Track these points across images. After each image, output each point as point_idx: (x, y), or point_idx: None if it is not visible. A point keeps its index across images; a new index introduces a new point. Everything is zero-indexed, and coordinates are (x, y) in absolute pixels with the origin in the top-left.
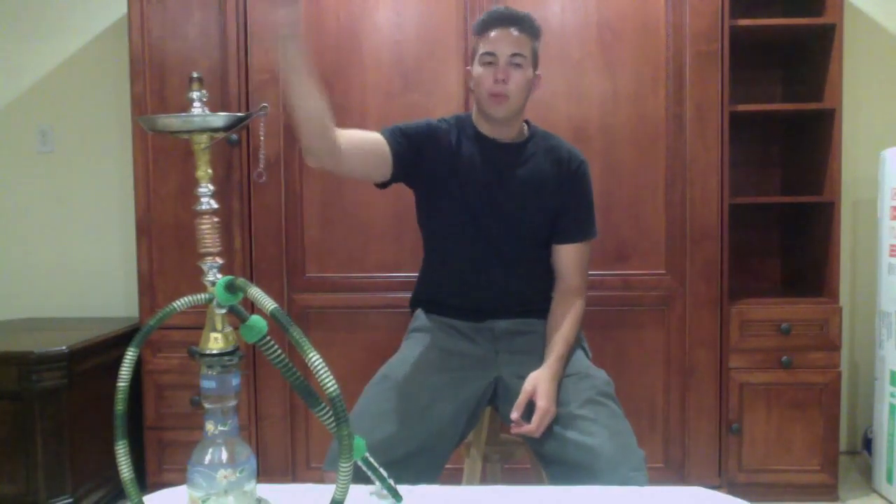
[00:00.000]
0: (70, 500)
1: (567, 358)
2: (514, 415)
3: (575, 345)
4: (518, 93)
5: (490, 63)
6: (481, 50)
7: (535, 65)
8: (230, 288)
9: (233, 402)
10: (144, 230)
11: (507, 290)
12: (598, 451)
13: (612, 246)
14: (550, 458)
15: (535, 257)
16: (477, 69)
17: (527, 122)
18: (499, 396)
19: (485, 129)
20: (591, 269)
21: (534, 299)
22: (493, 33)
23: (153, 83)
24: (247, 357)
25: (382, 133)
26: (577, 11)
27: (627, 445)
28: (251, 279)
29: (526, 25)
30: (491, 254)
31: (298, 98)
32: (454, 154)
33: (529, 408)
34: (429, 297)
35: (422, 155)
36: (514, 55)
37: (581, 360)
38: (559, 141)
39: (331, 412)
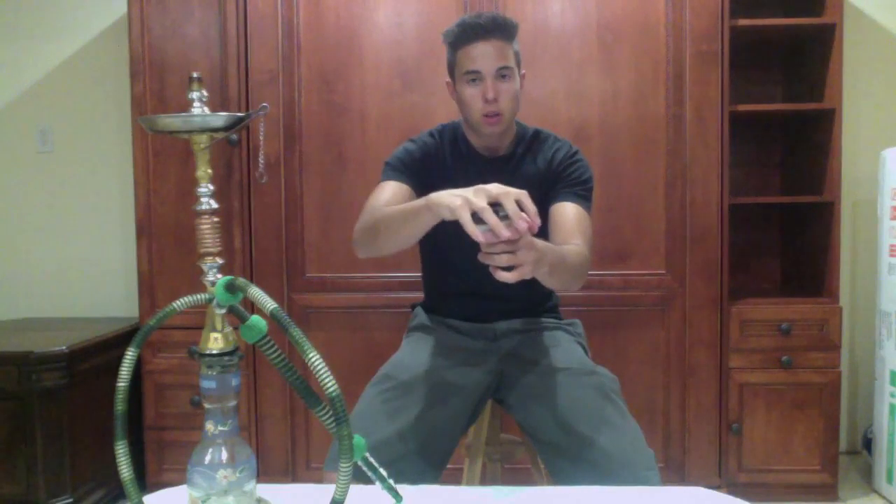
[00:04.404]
0: (70, 500)
1: (561, 255)
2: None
3: (575, 337)
4: (510, 106)
5: (475, 80)
6: (464, 67)
7: (519, 67)
8: (230, 288)
9: (233, 402)
10: (144, 230)
11: (509, 297)
12: (611, 450)
13: (612, 246)
14: (558, 455)
15: None
16: (462, 89)
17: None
18: (502, 389)
19: (476, 142)
20: (591, 270)
21: (536, 301)
22: (473, 48)
23: (153, 83)
24: (247, 357)
25: (391, 178)
26: (578, 12)
27: (639, 444)
28: (251, 279)
29: (504, 31)
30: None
31: (415, 229)
32: (448, 173)
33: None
34: (430, 306)
35: (423, 173)
36: (501, 68)
37: (584, 357)
38: (545, 138)
39: (331, 412)
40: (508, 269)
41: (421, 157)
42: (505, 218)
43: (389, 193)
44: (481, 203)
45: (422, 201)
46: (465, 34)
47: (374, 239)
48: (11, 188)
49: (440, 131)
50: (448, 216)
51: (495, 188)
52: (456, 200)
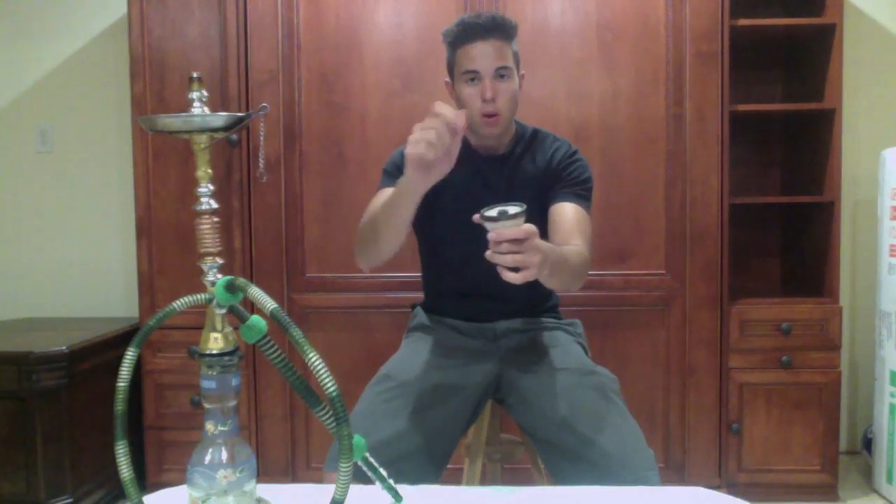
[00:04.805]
0: (70, 500)
1: (562, 255)
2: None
3: (575, 337)
4: (509, 106)
5: (474, 80)
6: (462, 67)
7: (518, 67)
8: (230, 288)
9: (233, 402)
10: (144, 230)
11: (509, 297)
12: (611, 450)
13: (612, 246)
14: (558, 455)
15: None
16: (461, 88)
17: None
18: (502, 389)
19: (475, 141)
20: (591, 270)
21: (536, 301)
22: (472, 48)
23: (153, 83)
24: (247, 357)
25: (387, 185)
26: (578, 11)
27: (639, 444)
28: (251, 279)
29: (503, 31)
30: (489, 265)
31: (399, 217)
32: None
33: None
34: (430, 306)
35: None
36: (499, 68)
37: (584, 357)
38: (545, 138)
39: (331, 412)
40: (515, 270)
41: None
42: (511, 218)
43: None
44: (429, 136)
45: (394, 187)
46: (465, 34)
47: (374, 241)
48: (11, 188)
49: None
50: (413, 175)
51: (435, 107)
52: (409, 158)
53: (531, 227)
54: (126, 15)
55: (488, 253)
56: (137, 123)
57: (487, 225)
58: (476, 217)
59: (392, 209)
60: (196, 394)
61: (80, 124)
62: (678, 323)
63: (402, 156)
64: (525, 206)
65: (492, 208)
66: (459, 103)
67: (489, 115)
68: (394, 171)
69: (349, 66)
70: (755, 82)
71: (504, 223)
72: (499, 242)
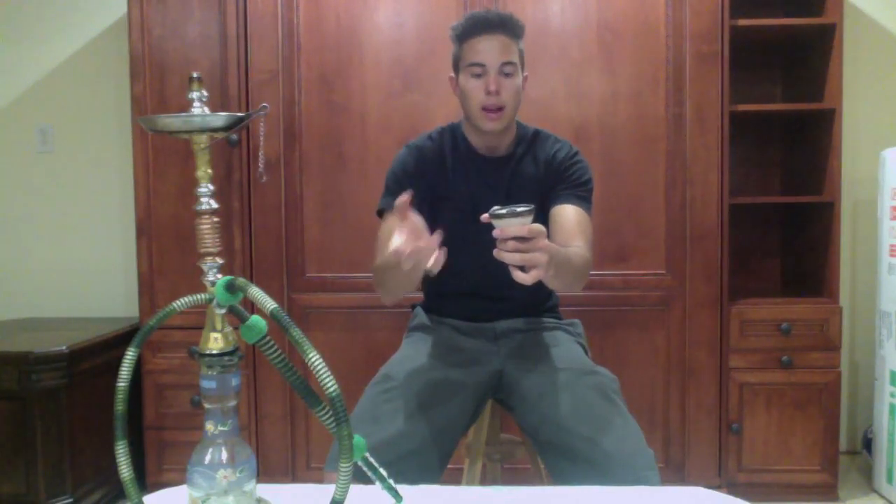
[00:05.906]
0: (70, 500)
1: (566, 256)
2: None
3: (576, 337)
4: (512, 102)
5: (479, 75)
6: (468, 60)
7: (523, 67)
8: (230, 288)
9: (233, 402)
10: (144, 230)
11: (509, 297)
12: (611, 450)
13: (612, 246)
14: (558, 455)
15: None
16: (465, 81)
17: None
18: (502, 389)
19: (476, 141)
20: (591, 270)
21: (536, 301)
22: (478, 41)
23: (153, 83)
24: (247, 357)
25: (390, 205)
26: (578, 11)
27: (639, 444)
28: (251, 279)
29: (511, 28)
30: (490, 267)
31: (404, 279)
32: (446, 175)
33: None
34: (430, 306)
35: (422, 180)
36: (505, 64)
37: (584, 357)
38: (546, 138)
39: (331, 412)
40: (522, 270)
41: (416, 165)
42: (517, 216)
43: (389, 227)
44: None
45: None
46: (473, 27)
47: (386, 291)
48: (11, 188)
49: (440, 132)
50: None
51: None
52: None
53: (538, 227)
54: (126, 15)
55: (495, 250)
56: (137, 123)
57: (494, 222)
58: (485, 216)
59: (395, 278)
60: (196, 394)
61: (80, 124)
62: (678, 323)
63: (401, 166)
64: (533, 206)
65: (502, 208)
66: (462, 97)
67: (492, 110)
68: (394, 188)
69: (349, 66)
70: (755, 82)
71: (510, 220)
72: (504, 240)
